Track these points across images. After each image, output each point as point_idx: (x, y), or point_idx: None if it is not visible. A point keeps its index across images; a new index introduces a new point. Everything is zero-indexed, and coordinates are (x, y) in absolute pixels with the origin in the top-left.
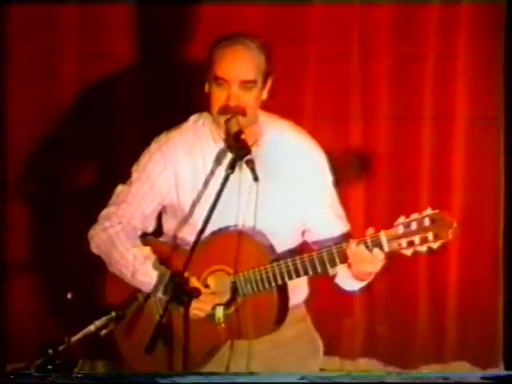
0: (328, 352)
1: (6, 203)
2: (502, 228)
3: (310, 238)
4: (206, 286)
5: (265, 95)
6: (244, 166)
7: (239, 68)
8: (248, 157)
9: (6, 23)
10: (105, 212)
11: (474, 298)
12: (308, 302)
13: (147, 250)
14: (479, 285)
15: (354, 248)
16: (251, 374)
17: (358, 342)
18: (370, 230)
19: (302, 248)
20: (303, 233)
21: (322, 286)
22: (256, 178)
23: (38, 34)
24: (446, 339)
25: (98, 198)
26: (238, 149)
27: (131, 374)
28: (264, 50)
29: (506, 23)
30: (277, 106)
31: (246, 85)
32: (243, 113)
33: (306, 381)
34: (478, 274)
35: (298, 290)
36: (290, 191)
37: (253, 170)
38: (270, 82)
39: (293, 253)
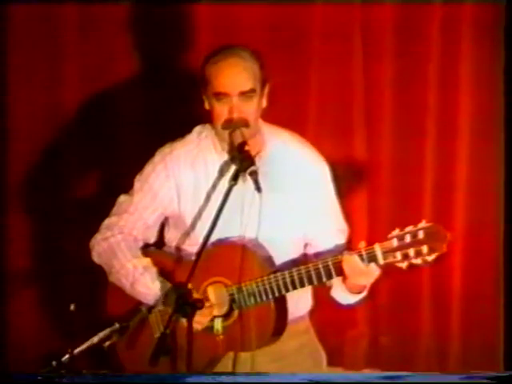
0: (332, 363)
1: (7, 215)
2: (505, 239)
3: (311, 251)
4: (205, 298)
5: (264, 103)
6: (247, 177)
7: (237, 79)
8: (252, 168)
9: (5, 23)
10: (107, 222)
11: (476, 308)
12: (312, 314)
13: (147, 260)
14: (482, 295)
15: (348, 260)
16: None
17: (361, 353)
18: (362, 244)
19: (305, 259)
20: (305, 246)
21: (326, 298)
22: (259, 189)
23: (38, 35)
24: (449, 349)
25: (101, 207)
26: (242, 160)
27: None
28: (256, 57)
29: (505, 23)
30: (280, 116)
31: (246, 95)
32: (246, 124)
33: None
34: (480, 284)
35: (302, 301)
36: (293, 203)
37: (256, 181)
38: (267, 89)
39: (294, 264)
